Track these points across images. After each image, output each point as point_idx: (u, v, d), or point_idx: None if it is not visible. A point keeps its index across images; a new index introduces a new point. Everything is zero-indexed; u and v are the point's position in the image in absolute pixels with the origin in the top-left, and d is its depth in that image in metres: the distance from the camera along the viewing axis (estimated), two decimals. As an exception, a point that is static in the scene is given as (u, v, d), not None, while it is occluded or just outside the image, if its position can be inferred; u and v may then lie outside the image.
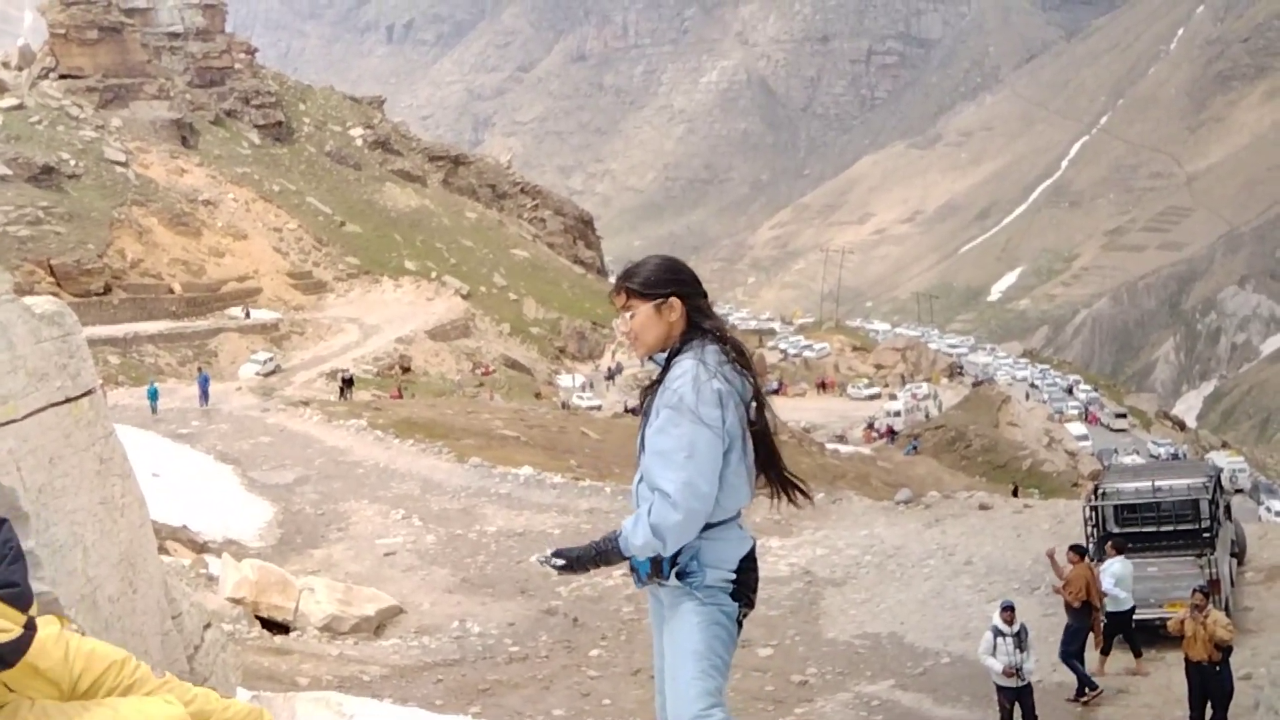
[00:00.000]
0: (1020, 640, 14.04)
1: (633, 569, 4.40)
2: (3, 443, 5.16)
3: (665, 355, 4.40)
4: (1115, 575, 16.53)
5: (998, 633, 14.09)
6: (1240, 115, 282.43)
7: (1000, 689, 14.06)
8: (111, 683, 3.88)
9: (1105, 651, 16.49)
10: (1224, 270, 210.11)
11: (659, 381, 4.36)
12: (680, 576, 4.30)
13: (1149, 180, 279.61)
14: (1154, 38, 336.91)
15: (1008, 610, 14.32)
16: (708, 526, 4.29)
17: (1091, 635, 16.03)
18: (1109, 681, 16.07)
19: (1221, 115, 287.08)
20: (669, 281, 4.40)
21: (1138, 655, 16.48)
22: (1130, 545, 18.16)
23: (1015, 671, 13.90)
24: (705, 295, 4.48)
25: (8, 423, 5.23)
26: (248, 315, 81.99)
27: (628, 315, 4.41)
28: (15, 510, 5.15)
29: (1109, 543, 17.58)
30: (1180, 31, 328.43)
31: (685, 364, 4.28)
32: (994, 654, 14.00)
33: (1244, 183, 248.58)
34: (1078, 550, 16.54)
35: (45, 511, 5.36)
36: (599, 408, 69.38)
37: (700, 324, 4.40)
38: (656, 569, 4.31)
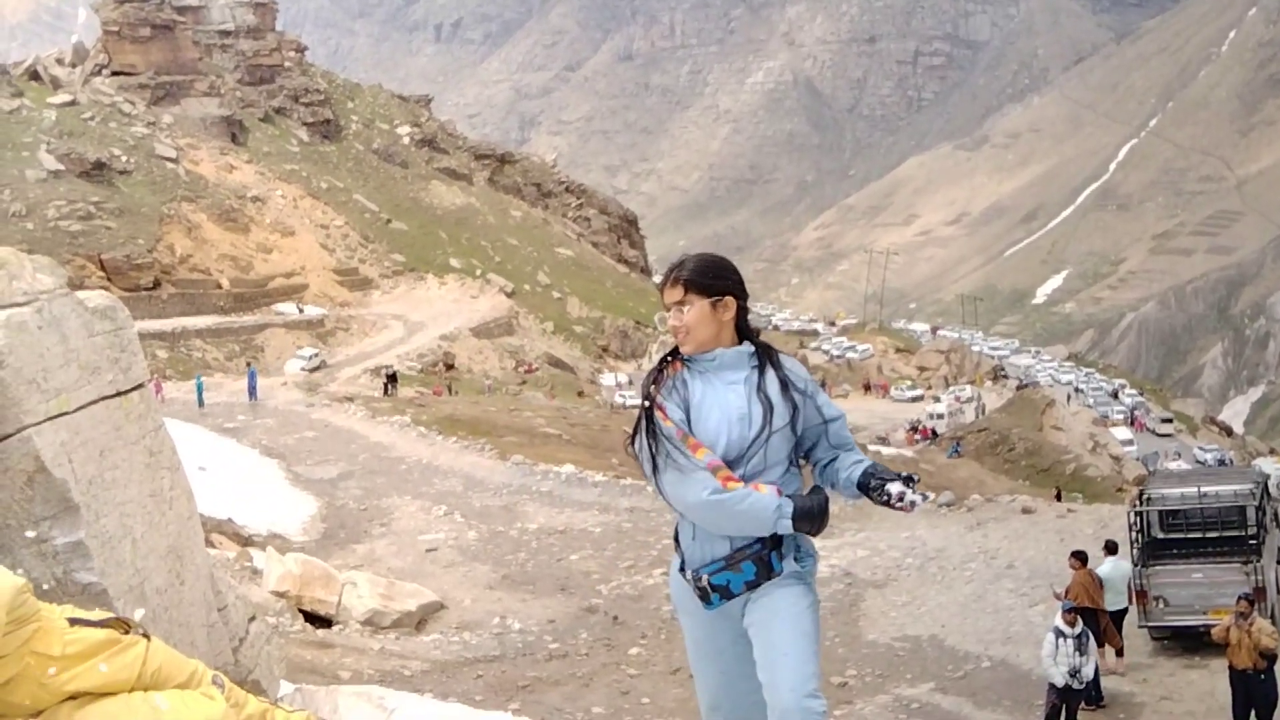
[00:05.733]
0: (1081, 643, 14.01)
1: (712, 588, 4.32)
2: (55, 435, 5.25)
3: (739, 352, 4.44)
4: (1104, 576, 16.63)
5: (1059, 634, 14.05)
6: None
7: (1053, 687, 14.01)
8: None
9: (1120, 652, 16.59)
10: (1274, 275, 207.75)
11: (762, 369, 4.43)
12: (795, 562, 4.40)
13: (1198, 184, 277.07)
14: (1205, 40, 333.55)
15: (1070, 612, 14.28)
16: None
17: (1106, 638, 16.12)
18: (1151, 689, 15.99)
19: (1273, 118, 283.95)
20: (727, 281, 4.45)
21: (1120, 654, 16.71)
22: (1175, 551, 18.10)
23: (1074, 674, 13.87)
24: (748, 298, 4.55)
25: (60, 415, 5.31)
26: (301, 311, 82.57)
27: (683, 309, 4.43)
28: (66, 501, 5.24)
29: (1105, 545, 17.73)
30: (1232, 34, 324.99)
31: (787, 359, 4.51)
32: (1055, 656, 13.96)
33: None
34: (1078, 556, 16.63)
35: (95, 503, 5.43)
36: (641, 406, 69.24)
37: (747, 327, 4.49)
38: (764, 571, 4.33)
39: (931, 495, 3.78)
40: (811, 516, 4.26)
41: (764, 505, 4.23)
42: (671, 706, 14.78)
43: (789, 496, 4.29)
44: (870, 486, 4.32)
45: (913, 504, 4.25)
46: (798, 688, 4.20)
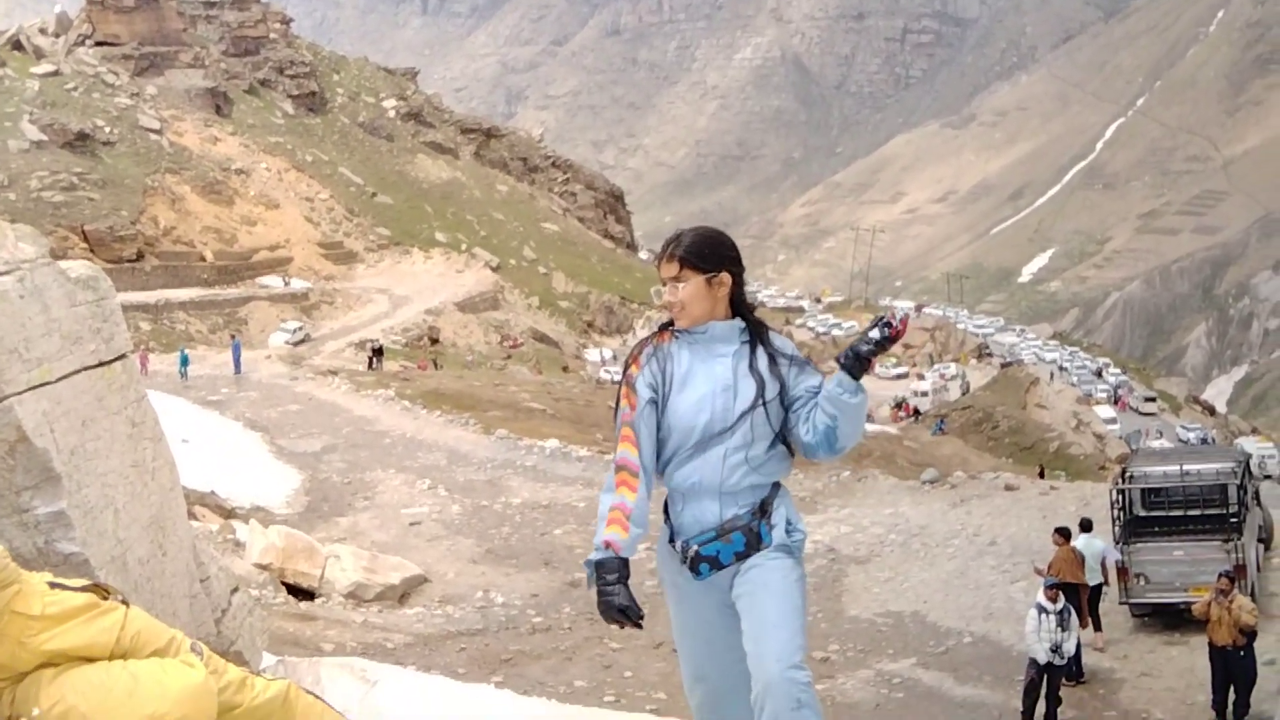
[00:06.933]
0: (1063, 619, 14.10)
1: (702, 558, 4.32)
2: (37, 405, 5.23)
3: (730, 325, 4.41)
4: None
5: (1041, 610, 14.13)
6: (1279, 99, 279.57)
7: (1033, 662, 14.10)
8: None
9: (1097, 626, 16.76)
10: (1258, 255, 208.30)
11: (753, 347, 4.39)
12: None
13: (1185, 163, 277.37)
14: (1193, 20, 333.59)
15: (1052, 588, 14.38)
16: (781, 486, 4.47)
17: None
18: (1131, 665, 16.08)
19: (1260, 99, 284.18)
20: (723, 257, 4.42)
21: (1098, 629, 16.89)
22: (1157, 528, 18.20)
23: (1056, 649, 13.96)
24: (744, 273, 4.54)
25: (42, 385, 5.29)
26: (287, 284, 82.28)
27: (678, 285, 4.41)
28: (48, 471, 5.23)
29: (1080, 522, 17.91)
30: (1220, 14, 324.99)
31: (775, 336, 4.48)
32: (1038, 632, 14.05)
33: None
34: (1061, 532, 16.78)
35: (77, 473, 5.42)
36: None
37: (742, 301, 4.46)
38: (754, 542, 4.32)
39: (912, 305, 3.57)
40: (599, 587, 4.35)
41: (595, 538, 4.36)
42: (654, 680, 14.83)
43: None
44: (854, 349, 4.18)
45: (906, 316, 4.22)
46: (784, 659, 4.17)
